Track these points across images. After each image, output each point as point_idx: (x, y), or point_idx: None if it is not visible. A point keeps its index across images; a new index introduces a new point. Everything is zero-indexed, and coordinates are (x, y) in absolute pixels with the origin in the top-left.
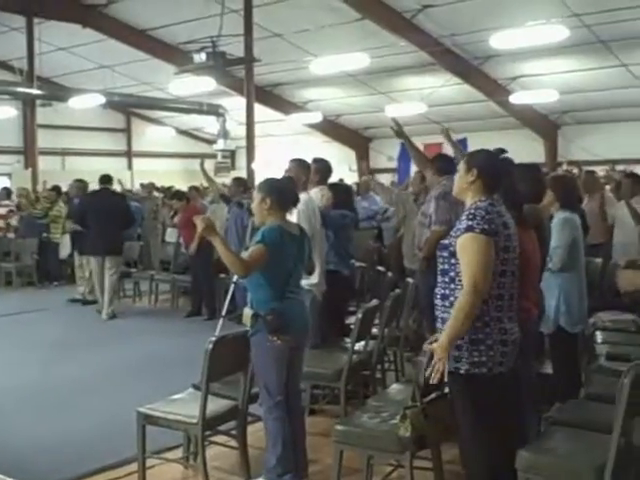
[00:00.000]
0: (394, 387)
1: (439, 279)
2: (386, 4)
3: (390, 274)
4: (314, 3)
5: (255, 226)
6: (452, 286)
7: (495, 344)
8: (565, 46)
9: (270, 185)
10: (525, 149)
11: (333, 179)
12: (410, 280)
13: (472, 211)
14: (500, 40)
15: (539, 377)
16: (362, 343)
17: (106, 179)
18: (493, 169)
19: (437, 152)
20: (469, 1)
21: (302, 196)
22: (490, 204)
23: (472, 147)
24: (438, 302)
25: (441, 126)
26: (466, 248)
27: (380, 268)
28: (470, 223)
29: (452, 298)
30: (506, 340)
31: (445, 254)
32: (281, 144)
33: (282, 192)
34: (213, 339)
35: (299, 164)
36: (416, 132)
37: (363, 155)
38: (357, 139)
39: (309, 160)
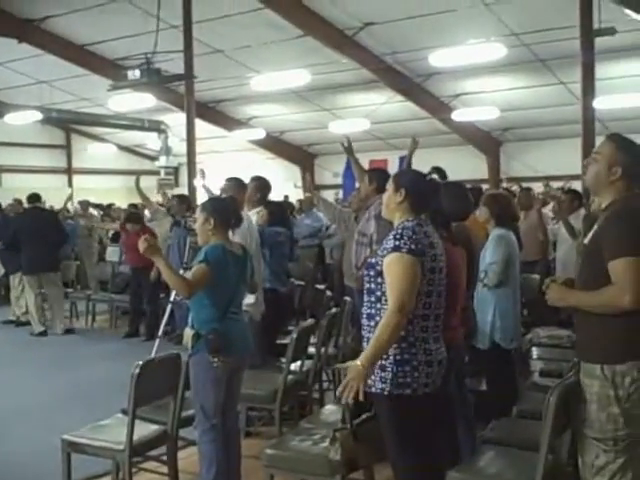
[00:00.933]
0: (328, 408)
1: (365, 298)
2: (328, 21)
3: (329, 292)
4: (255, 20)
5: (194, 245)
6: (378, 305)
7: (420, 365)
8: (505, 64)
9: (213, 205)
10: (468, 165)
11: (279, 196)
12: (348, 298)
13: (399, 231)
14: (439, 58)
15: (476, 395)
16: (298, 363)
17: (35, 197)
18: (421, 189)
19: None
20: (410, 19)
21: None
22: (417, 224)
23: (417, 163)
24: (364, 322)
25: (385, 142)
26: (392, 268)
27: (319, 286)
28: (397, 243)
29: (378, 318)
30: (431, 361)
31: (372, 273)
32: (225, 161)
33: (225, 212)
34: (140, 363)
35: (235, 183)
36: (361, 149)
37: (308, 171)
38: (302, 155)
39: (252, 177)
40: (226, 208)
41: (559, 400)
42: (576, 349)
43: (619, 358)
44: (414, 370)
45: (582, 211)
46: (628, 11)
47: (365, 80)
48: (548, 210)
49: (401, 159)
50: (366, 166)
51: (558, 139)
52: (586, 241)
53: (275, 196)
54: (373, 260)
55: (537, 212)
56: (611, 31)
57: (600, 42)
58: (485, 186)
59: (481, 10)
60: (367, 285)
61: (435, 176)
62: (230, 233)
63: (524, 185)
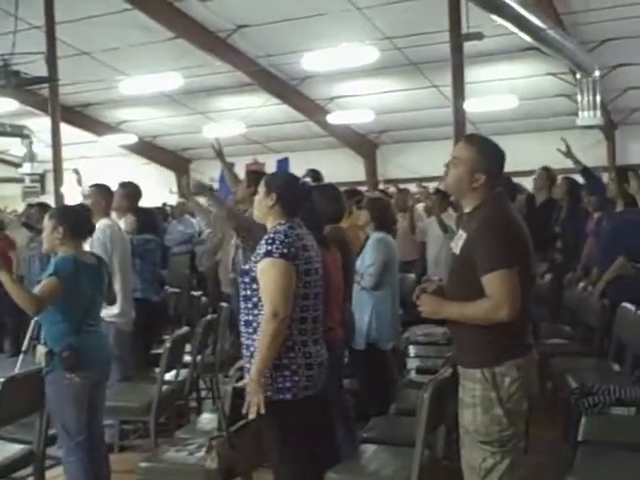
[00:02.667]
0: (205, 417)
1: (242, 305)
2: (200, 23)
3: (205, 299)
4: (124, 21)
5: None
6: (255, 312)
7: (300, 368)
8: (379, 67)
9: (63, 213)
10: (346, 168)
11: (156, 203)
12: (225, 304)
13: (271, 235)
14: (312, 62)
15: (354, 394)
16: (174, 372)
17: None
18: (292, 193)
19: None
20: (283, 22)
21: (102, 222)
22: (290, 227)
23: (295, 167)
24: (242, 329)
25: (263, 145)
26: (265, 273)
27: (195, 293)
28: (269, 248)
29: (255, 324)
30: (311, 364)
31: (247, 279)
32: (96, 167)
33: (76, 220)
34: (1, 380)
35: (98, 189)
36: (237, 152)
37: (185, 175)
38: (176, 160)
39: (120, 183)
40: (77, 217)
41: (432, 396)
42: (455, 355)
43: (497, 360)
44: (294, 374)
45: (451, 210)
46: (494, 16)
47: (240, 83)
48: (420, 209)
49: (279, 162)
50: (243, 170)
51: (433, 141)
52: (457, 251)
53: (152, 202)
54: (247, 266)
55: (410, 212)
56: (479, 36)
57: (470, 46)
58: (363, 188)
59: (354, 14)
60: (243, 292)
61: (308, 179)
62: (86, 242)
63: (401, 186)
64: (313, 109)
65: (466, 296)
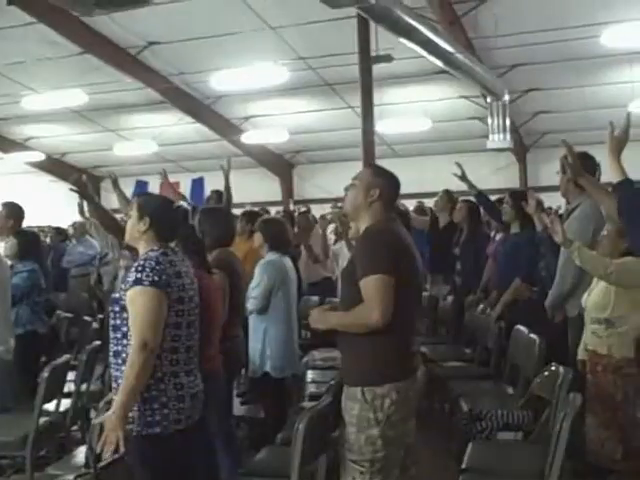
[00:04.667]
0: (82, 450)
1: (111, 335)
2: (109, 39)
3: (95, 324)
4: (29, 34)
5: None
6: (124, 342)
7: (170, 401)
8: (294, 87)
9: None
10: (262, 188)
11: (64, 222)
12: None
13: (141, 262)
14: (222, 80)
15: (253, 423)
16: (55, 403)
17: None
18: (167, 217)
19: (174, 192)
20: (195, 40)
21: None
22: (162, 253)
23: (210, 186)
24: (111, 359)
25: (176, 164)
26: (135, 302)
27: (87, 318)
28: (139, 275)
29: (124, 355)
30: (183, 395)
31: (116, 308)
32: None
33: None
34: None
35: None
36: (149, 171)
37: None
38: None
39: (2, 203)
40: None
41: (308, 427)
42: (341, 373)
43: (379, 381)
44: (163, 407)
45: None
46: (403, 40)
47: (152, 101)
48: (330, 231)
49: (194, 181)
50: (157, 189)
51: (348, 161)
52: (344, 264)
53: (60, 222)
54: (117, 294)
55: (321, 233)
56: (388, 58)
57: (383, 68)
58: (278, 208)
59: (268, 33)
60: (112, 321)
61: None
62: None
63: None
64: (228, 128)
65: (351, 307)
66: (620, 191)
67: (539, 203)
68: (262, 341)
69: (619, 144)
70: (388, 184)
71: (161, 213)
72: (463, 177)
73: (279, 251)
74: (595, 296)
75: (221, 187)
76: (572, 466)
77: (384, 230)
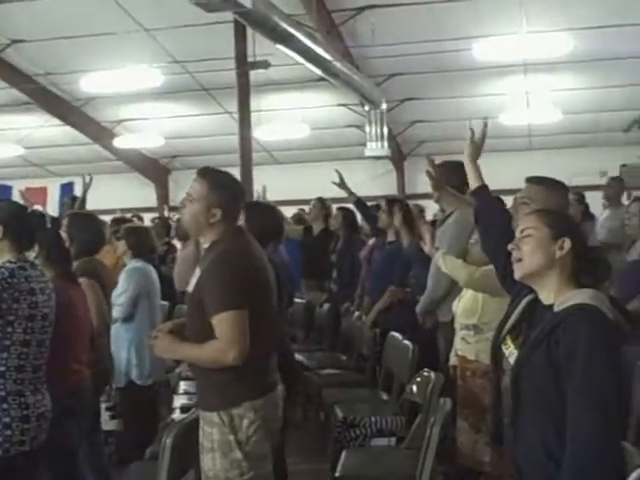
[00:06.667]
0: None
1: None
2: None
3: None
4: None
5: None
6: None
7: (14, 421)
8: (170, 91)
9: None
10: (136, 194)
11: None
12: None
13: None
14: (93, 82)
15: (117, 437)
16: None
17: None
18: (22, 224)
19: (40, 197)
20: (63, 39)
21: None
22: (20, 267)
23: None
24: None
25: (43, 169)
26: None
27: None
28: None
29: None
30: (28, 416)
31: None
32: None
33: None
34: None
35: None
36: (14, 175)
37: None
38: None
39: None
40: None
41: (176, 439)
42: (197, 398)
43: (235, 401)
44: (6, 428)
45: None
46: (280, 46)
47: (16, 101)
48: None
49: (63, 187)
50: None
51: (227, 167)
52: (190, 289)
53: None
54: None
55: (194, 242)
56: (265, 64)
57: (261, 74)
58: (153, 215)
59: (142, 35)
60: None
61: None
62: None
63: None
64: (99, 132)
65: (201, 335)
66: (477, 198)
67: (420, 211)
68: (127, 349)
69: (476, 150)
70: (229, 197)
71: (15, 220)
72: (342, 184)
73: (143, 259)
74: (464, 302)
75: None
76: (444, 470)
77: (237, 254)
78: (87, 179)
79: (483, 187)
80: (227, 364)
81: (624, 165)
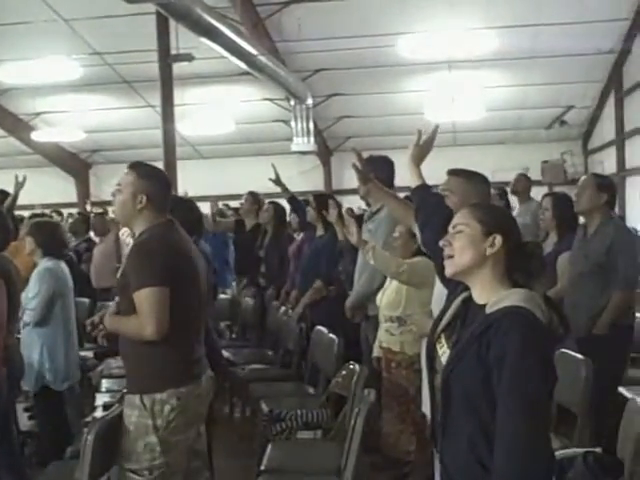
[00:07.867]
0: None
1: None
2: None
3: None
4: None
5: None
6: None
7: None
8: (90, 84)
9: None
10: (55, 188)
11: None
12: None
13: None
14: (9, 73)
15: (33, 438)
16: None
17: None
18: None
19: None
20: None
21: None
22: None
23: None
24: None
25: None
26: None
27: None
28: None
29: None
30: None
31: None
32: None
33: None
34: None
35: None
36: None
37: None
38: None
39: None
40: None
41: (97, 437)
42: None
43: (159, 387)
44: None
45: None
46: (204, 40)
47: None
48: (126, 236)
49: None
50: None
51: (150, 162)
52: (118, 275)
53: None
54: None
55: (114, 237)
56: (188, 57)
57: (185, 67)
58: (72, 210)
59: (61, 25)
60: None
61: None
62: None
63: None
64: (15, 124)
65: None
66: (418, 194)
67: (340, 209)
68: (40, 353)
69: (422, 153)
70: (156, 186)
71: None
72: (277, 180)
73: (54, 256)
74: (388, 295)
75: (6, 187)
76: (370, 460)
77: (156, 238)
78: (20, 178)
79: (424, 185)
80: (146, 338)
81: (546, 161)
